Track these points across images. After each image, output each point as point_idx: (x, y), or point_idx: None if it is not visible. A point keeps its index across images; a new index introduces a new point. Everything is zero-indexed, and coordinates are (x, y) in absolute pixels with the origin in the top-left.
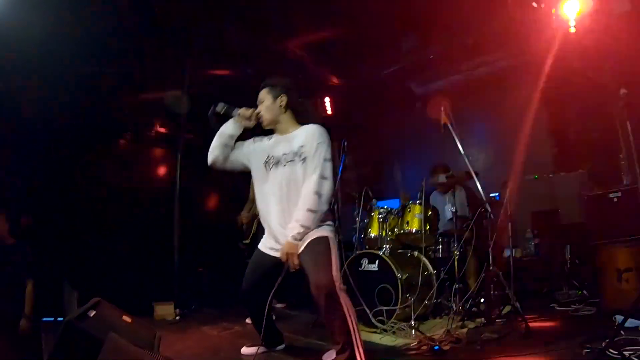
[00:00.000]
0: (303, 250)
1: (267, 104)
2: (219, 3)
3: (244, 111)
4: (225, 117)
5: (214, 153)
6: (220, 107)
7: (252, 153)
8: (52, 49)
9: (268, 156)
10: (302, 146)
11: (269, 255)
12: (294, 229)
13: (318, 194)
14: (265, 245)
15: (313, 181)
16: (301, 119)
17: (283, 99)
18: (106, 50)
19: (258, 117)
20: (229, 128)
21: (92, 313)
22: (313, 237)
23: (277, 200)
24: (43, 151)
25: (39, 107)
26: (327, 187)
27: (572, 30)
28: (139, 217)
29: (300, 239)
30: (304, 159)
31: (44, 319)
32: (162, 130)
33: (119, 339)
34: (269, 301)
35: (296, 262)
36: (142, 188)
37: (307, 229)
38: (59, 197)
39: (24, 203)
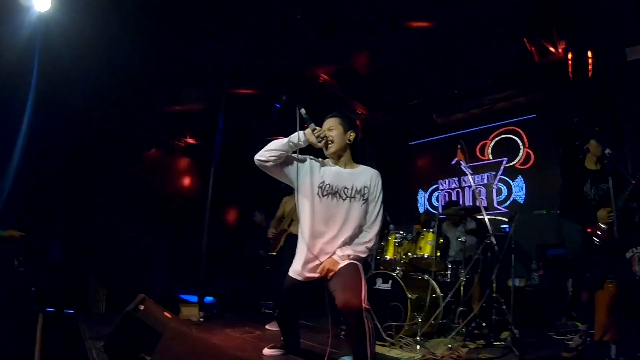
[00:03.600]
0: (336, 271)
1: (337, 133)
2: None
3: (321, 130)
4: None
5: (270, 154)
6: (304, 112)
7: (307, 172)
8: (89, 57)
9: (323, 182)
10: (366, 187)
11: (303, 282)
12: (346, 251)
13: (377, 235)
14: (300, 271)
15: (377, 225)
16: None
17: (352, 135)
18: (141, 61)
19: (328, 141)
20: (296, 137)
21: (142, 307)
22: (346, 262)
23: (329, 229)
24: (80, 155)
25: (81, 115)
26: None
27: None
28: (169, 224)
29: (343, 262)
30: (366, 200)
31: (48, 309)
32: (192, 141)
33: (179, 326)
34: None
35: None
36: (174, 197)
37: (351, 259)
38: (92, 202)
39: (58, 203)
